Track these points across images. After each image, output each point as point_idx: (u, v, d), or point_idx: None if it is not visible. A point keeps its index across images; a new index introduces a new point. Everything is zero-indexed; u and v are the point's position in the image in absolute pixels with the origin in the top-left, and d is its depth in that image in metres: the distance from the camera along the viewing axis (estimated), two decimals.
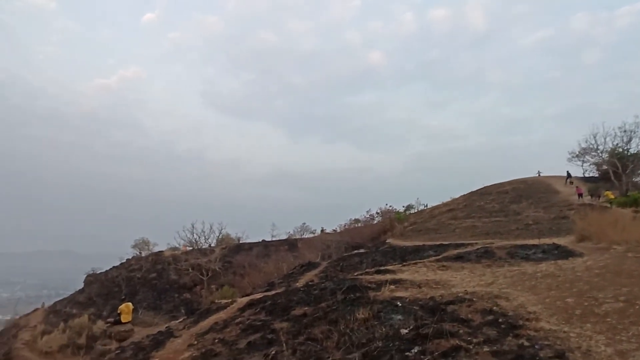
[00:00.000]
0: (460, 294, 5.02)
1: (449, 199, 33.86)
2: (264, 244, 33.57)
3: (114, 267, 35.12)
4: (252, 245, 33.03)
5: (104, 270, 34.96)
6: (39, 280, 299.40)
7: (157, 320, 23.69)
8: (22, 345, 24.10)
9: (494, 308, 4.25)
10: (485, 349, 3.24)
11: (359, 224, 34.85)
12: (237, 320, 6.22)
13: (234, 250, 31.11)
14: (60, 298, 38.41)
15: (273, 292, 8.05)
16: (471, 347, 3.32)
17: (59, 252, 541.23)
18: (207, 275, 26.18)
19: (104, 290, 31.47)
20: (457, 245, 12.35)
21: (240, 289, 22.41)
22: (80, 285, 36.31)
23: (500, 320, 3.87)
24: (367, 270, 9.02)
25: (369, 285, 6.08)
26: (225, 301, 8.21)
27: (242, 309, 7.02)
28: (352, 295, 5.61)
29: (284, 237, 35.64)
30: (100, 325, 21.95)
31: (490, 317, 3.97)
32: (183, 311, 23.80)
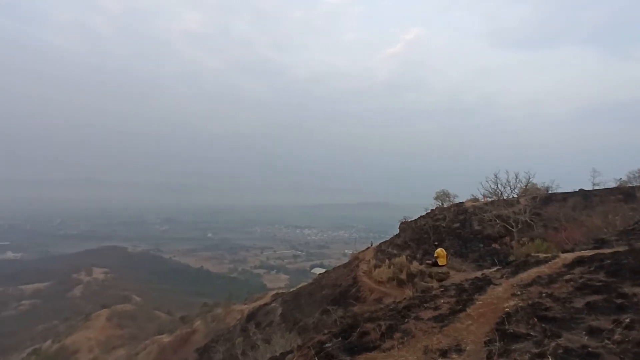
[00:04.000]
0: None
1: None
2: (583, 193, 27.99)
3: (421, 216, 38.52)
4: (566, 196, 28.33)
5: (413, 219, 39.03)
6: (366, 225, 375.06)
7: (464, 267, 24.69)
8: (362, 273, 30.88)
9: None
10: None
11: None
12: (567, 277, 5.49)
13: (543, 201, 27.69)
14: (382, 240, 45.27)
15: (611, 250, 6.59)
16: None
17: (379, 204, 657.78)
18: (517, 227, 24.67)
19: (415, 235, 35.23)
20: None
21: (556, 243, 19.85)
22: (396, 231, 41.92)
23: None
24: None
25: None
26: (545, 255, 7.44)
27: (570, 266, 6.14)
28: None
29: (612, 185, 28.42)
30: (415, 265, 24.98)
31: None
32: (489, 261, 23.66)
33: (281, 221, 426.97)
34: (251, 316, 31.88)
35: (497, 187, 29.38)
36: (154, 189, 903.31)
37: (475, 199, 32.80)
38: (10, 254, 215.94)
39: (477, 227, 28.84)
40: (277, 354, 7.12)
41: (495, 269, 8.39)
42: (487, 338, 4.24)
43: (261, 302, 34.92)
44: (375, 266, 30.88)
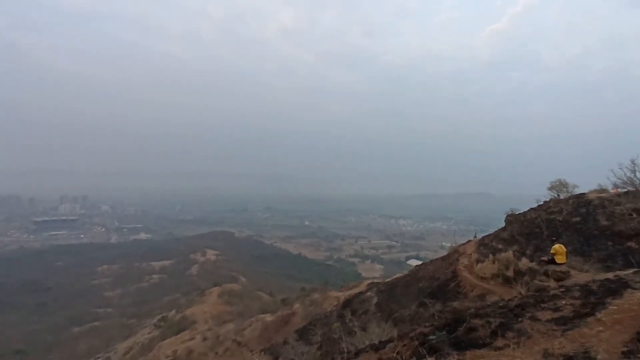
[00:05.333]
0: None
1: None
2: None
3: (531, 208, 34.90)
4: None
5: (521, 212, 35.59)
6: (466, 217, 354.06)
7: (586, 267, 21.74)
8: (463, 268, 29.21)
9: None
10: None
11: None
12: None
13: None
14: (485, 234, 42.26)
15: None
16: None
17: (479, 195, 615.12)
18: None
19: (525, 230, 32.04)
20: None
21: None
22: (500, 224, 38.76)
23: None
24: None
25: None
26: None
27: None
28: None
29: None
30: (525, 262, 22.76)
31: None
32: (621, 262, 20.42)
33: (376, 211, 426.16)
34: (347, 303, 32.52)
35: (635, 175, 24.79)
36: (256, 178, 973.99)
37: (602, 190, 28.29)
38: (142, 235, 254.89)
39: (604, 222, 24.96)
40: (376, 342, 7.13)
41: (632, 270, 7.18)
42: (626, 348, 3.65)
43: (356, 290, 35.37)
44: (478, 261, 28.91)
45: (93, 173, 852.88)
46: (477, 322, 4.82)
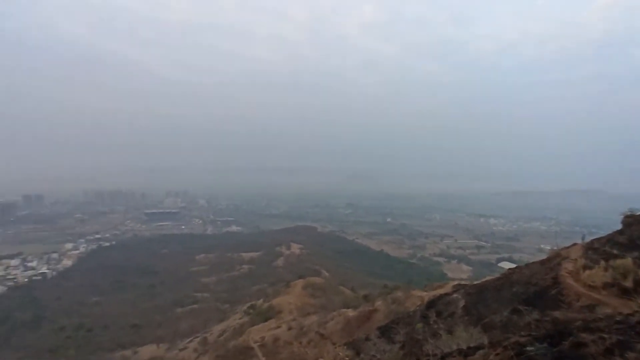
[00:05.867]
0: None
1: None
2: None
3: None
4: None
5: None
6: (571, 217, 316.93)
7: None
8: (566, 274, 26.14)
9: None
10: None
11: None
12: None
13: None
14: (595, 236, 37.64)
15: None
16: None
17: (591, 192, 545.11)
18: None
19: None
20: None
21: None
22: (616, 226, 33.98)
23: None
24: None
25: None
26: None
27: None
28: None
29: None
30: None
31: None
32: None
33: (463, 209, 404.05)
34: (431, 304, 31.27)
35: None
36: (338, 174, 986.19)
37: None
38: (234, 227, 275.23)
39: None
40: (463, 347, 6.69)
41: None
42: None
43: (441, 291, 33.83)
44: (585, 267, 25.65)
45: (193, 170, 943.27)
46: (586, 336, 4.21)
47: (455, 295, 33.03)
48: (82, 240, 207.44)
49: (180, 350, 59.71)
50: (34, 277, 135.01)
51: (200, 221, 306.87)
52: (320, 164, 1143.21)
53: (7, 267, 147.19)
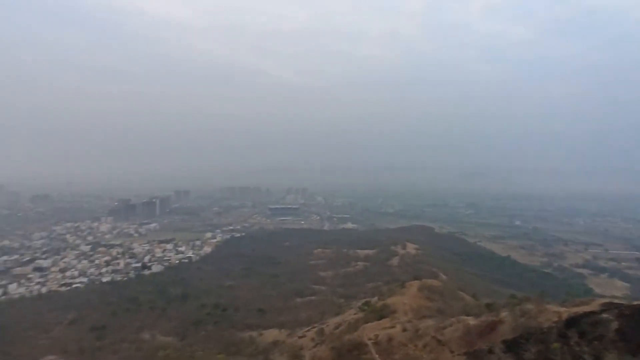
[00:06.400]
0: None
1: None
2: None
3: None
4: None
5: None
6: None
7: None
8: None
9: None
10: None
11: None
12: None
13: None
14: None
15: None
16: None
17: None
18: None
19: None
20: None
21: None
22: None
23: None
24: None
25: None
26: None
27: None
28: None
29: None
30: None
31: None
32: None
33: (617, 213, 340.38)
34: (572, 322, 27.04)
35: None
36: (457, 172, 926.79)
37: None
38: (349, 224, 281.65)
39: None
40: None
41: None
42: None
43: (586, 308, 28.90)
44: None
45: (312, 169, 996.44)
46: None
47: (605, 315, 27.84)
48: (219, 230, 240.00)
49: (299, 337, 63.48)
50: (183, 260, 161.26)
51: (318, 217, 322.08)
52: (438, 161, 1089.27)
53: (164, 250, 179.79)
